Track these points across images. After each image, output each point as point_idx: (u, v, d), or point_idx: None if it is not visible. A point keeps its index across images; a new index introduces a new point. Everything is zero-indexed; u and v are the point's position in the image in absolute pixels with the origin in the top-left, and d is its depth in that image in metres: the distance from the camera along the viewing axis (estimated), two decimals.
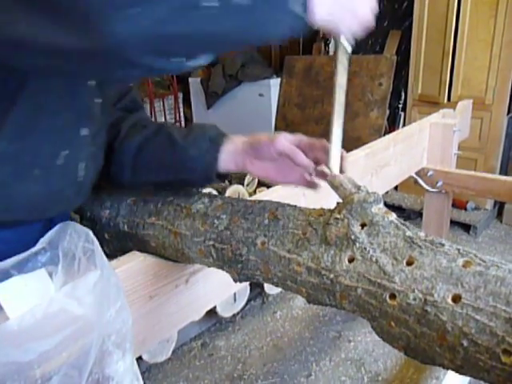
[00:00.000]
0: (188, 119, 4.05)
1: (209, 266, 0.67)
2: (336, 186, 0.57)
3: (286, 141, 0.64)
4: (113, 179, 0.75)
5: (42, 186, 0.60)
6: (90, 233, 0.53)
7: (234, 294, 1.74)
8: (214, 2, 0.40)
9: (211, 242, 0.62)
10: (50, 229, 0.59)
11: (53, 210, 0.65)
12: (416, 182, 1.48)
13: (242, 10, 0.42)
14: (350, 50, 0.62)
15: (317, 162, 0.64)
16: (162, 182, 0.72)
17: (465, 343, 0.41)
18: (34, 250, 0.55)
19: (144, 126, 0.73)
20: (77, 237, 0.52)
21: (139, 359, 1.41)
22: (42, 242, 0.56)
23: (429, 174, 1.45)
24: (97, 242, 0.51)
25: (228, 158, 0.67)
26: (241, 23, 0.44)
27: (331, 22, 0.52)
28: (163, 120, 3.69)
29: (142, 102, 0.85)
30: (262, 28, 0.46)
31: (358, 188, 0.55)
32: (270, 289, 1.89)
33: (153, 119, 3.64)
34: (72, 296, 0.43)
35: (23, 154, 0.56)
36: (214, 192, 1.77)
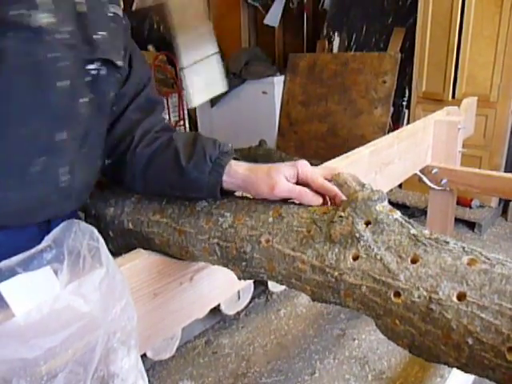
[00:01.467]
0: (192, 117, 4.05)
1: (213, 264, 0.67)
2: (340, 184, 0.57)
3: (286, 185, 0.60)
4: (128, 188, 0.75)
5: (21, 193, 0.59)
6: (95, 231, 0.53)
7: (238, 292, 1.74)
8: None
9: (215, 240, 0.63)
10: (49, 231, 0.59)
11: (41, 215, 0.64)
12: (420, 179, 1.48)
13: None
14: None
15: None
16: (173, 195, 0.71)
17: (470, 341, 0.41)
18: (39, 247, 0.55)
19: (155, 138, 0.71)
20: (81, 235, 0.53)
21: (143, 356, 1.42)
22: (47, 240, 0.56)
23: (433, 171, 1.45)
24: (102, 240, 0.51)
25: (231, 180, 0.64)
26: None
27: None
28: (167, 119, 3.69)
29: (158, 96, 0.81)
30: None
31: (363, 186, 0.55)
32: (273, 287, 1.89)
33: None
34: (78, 293, 0.44)
35: None
36: None
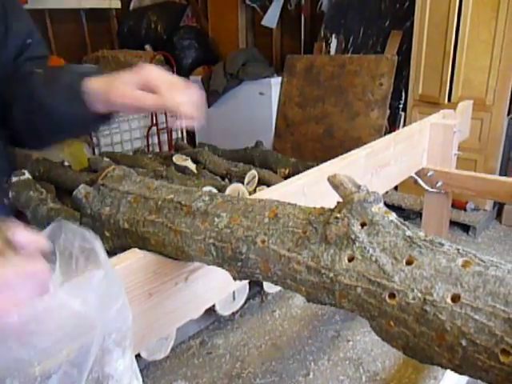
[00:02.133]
0: None
1: (208, 264, 0.67)
2: (336, 185, 0.57)
3: (126, 89, 0.59)
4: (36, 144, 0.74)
5: None
6: (86, 232, 0.53)
7: (234, 293, 1.74)
8: None
9: (211, 240, 0.63)
10: None
11: None
12: (416, 182, 1.48)
13: None
14: None
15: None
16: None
17: (463, 343, 0.41)
18: None
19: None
20: (72, 236, 0.52)
21: (138, 356, 1.42)
22: None
23: (429, 174, 1.46)
24: (99, 241, 0.51)
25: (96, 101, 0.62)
26: None
27: None
28: (164, 118, 3.69)
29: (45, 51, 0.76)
30: None
31: (359, 187, 0.55)
32: (269, 287, 1.89)
33: (154, 118, 3.64)
34: (75, 294, 0.43)
35: None
36: (215, 190, 1.78)
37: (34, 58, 0.72)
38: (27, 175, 2.11)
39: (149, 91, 0.61)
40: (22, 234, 0.44)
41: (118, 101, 0.60)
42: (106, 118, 0.66)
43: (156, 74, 0.61)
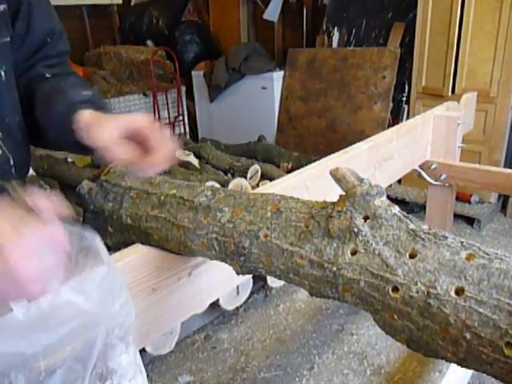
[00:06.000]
0: (191, 112, 4.04)
1: (211, 259, 0.67)
2: (339, 179, 0.57)
3: (108, 132, 0.59)
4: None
5: None
6: (84, 231, 0.53)
7: (237, 287, 1.74)
8: None
9: (214, 235, 0.62)
10: None
11: None
12: (419, 175, 1.48)
13: None
14: None
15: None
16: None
17: (468, 336, 0.41)
18: None
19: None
20: (70, 234, 0.52)
21: (142, 351, 1.42)
22: None
23: (432, 167, 1.45)
24: (99, 238, 0.51)
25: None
26: None
27: None
28: (166, 115, 3.68)
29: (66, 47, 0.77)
30: None
31: (361, 181, 0.55)
32: (272, 282, 1.90)
33: (156, 113, 3.63)
34: (79, 290, 0.44)
35: None
36: (217, 185, 1.78)
37: (51, 56, 0.73)
38: (31, 171, 2.12)
39: (136, 141, 0.62)
40: (40, 199, 0.46)
41: (97, 141, 0.60)
42: (90, 149, 0.66)
43: (146, 126, 0.61)
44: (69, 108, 0.64)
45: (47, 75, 0.72)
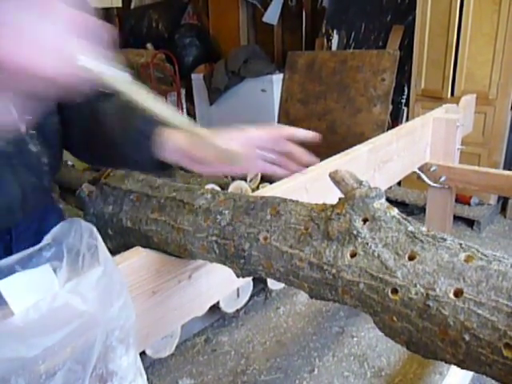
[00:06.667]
0: (191, 115, 4.05)
1: (211, 262, 0.67)
2: (338, 181, 0.57)
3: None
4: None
5: None
6: (94, 229, 0.54)
7: (238, 290, 1.75)
8: None
9: (214, 238, 0.63)
10: (11, 250, 0.58)
11: None
12: (419, 177, 1.48)
13: None
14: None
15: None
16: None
17: (467, 337, 0.41)
18: (38, 246, 0.55)
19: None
20: (81, 233, 0.53)
21: (143, 354, 1.42)
22: (46, 239, 0.56)
23: (432, 169, 1.45)
24: (100, 238, 0.51)
25: (168, 151, 0.63)
26: None
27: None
28: None
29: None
30: None
31: (360, 183, 0.55)
32: (273, 284, 1.90)
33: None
34: (76, 292, 0.44)
35: None
36: (217, 188, 1.78)
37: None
38: None
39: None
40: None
41: (206, 160, 0.60)
42: (167, 165, 0.67)
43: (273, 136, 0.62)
44: (148, 125, 0.63)
45: (111, 97, 0.69)
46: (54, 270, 0.51)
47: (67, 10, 0.40)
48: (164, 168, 0.67)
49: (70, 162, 2.59)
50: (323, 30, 3.24)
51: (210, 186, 1.69)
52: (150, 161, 0.65)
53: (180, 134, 0.63)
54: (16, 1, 0.36)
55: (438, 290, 0.44)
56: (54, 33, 0.38)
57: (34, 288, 0.49)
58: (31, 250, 0.54)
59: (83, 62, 0.41)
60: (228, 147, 0.53)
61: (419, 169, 1.46)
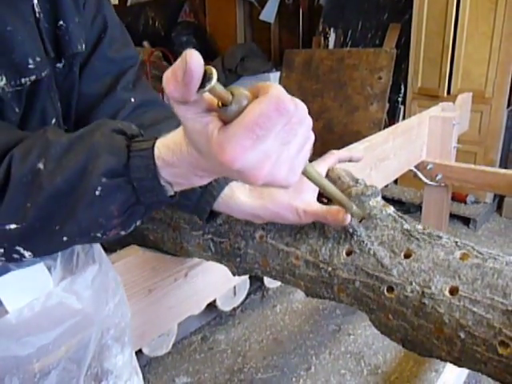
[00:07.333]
0: None
1: (207, 260, 0.67)
2: (334, 179, 0.57)
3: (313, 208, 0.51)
4: None
5: None
6: None
7: (234, 288, 1.74)
8: None
9: (210, 236, 0.62)
10: None
11: None
12: (415, 175, 1.48)
13: None
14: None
15: None
16: None
17: (462, 335, 0.41)
18: None
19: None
20: None
21: (139, 352, 1.42)
22: None
23: (428, 167, 1.45)
24: None
25: (224, 207, 0.55)
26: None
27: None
28: None
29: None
30: None
31: (356, 181, 0.55)
32: (269, 282, 1.90)
33: None
34: (70, 290, 0.43)
35: None
36: None
37: (130, 80, 0.66)
38: None
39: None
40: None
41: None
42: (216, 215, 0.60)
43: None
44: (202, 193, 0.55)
45: (132, 100, 0.65)
46: (49, 269, 0.51)
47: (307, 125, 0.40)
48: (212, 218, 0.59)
49: None
50: (320, 29, 3.23)
51: None
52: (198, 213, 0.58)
53: (246, 193, 0.55)
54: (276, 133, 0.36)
55: (433, 287, 0.44)
56: (295, 150, 0.38)
57: (29, 287, 0.48)
58: None
59: (308, 171, 0.42)
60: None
61: (415, 167, 1.46)
